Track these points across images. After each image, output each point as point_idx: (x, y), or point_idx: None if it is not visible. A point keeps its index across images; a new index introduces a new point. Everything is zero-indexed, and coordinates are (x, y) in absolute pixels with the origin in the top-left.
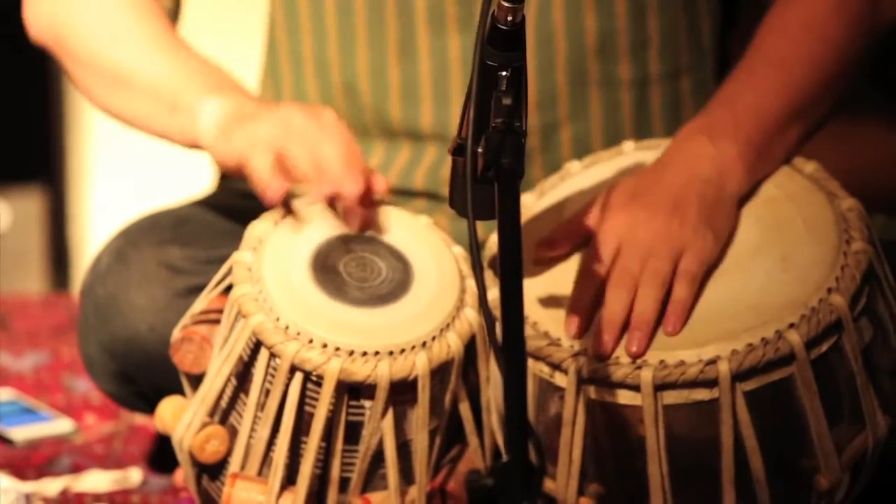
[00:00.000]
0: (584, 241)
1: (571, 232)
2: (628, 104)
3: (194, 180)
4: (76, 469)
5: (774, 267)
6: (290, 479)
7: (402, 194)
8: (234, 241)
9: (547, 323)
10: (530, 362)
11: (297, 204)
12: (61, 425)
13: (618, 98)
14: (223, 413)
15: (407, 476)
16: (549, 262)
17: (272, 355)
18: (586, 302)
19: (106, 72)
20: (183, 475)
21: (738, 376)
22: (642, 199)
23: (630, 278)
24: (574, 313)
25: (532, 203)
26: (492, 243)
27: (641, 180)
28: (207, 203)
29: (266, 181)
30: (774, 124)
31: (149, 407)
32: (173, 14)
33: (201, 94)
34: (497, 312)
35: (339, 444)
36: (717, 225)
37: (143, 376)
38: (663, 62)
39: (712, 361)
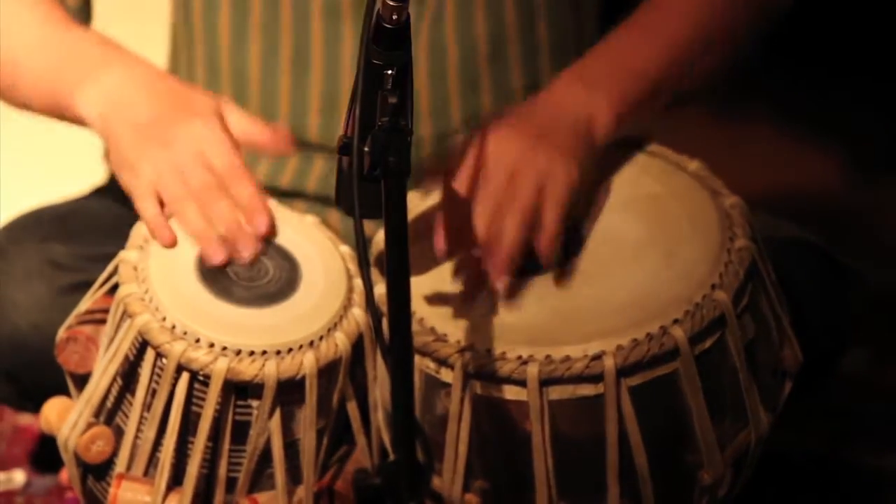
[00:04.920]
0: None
1: (454, 161)
2: None
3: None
4: None
5: (659, 263)
6: (176, 480)
7: (294, 196)
8: (120, 239)
9: (433, 318)
10: (417, 358)
11: None
12: None
13: (510, 105)
14: (109, 413)
15: (294, 476)
16: (435, 260)
17: (158, 355)
18: (454, 223)
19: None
20: (68, 476)
21: (622, 371)
22: (514, 125)
23: (494, 200)
24: (441, 228)
25: (418, 201)
26: (378, 241)
27: (515, 113)
28: (92, 199)
29: (156, 228)
30: (648, 79)
31: (33, 406)
32: (81, 13)
33: (76, 82)
34: (384, 309)
35: (226, 444)
36: (583, 159)
37: (27, 375)
38: (553, 69)
39: (597, 357)
